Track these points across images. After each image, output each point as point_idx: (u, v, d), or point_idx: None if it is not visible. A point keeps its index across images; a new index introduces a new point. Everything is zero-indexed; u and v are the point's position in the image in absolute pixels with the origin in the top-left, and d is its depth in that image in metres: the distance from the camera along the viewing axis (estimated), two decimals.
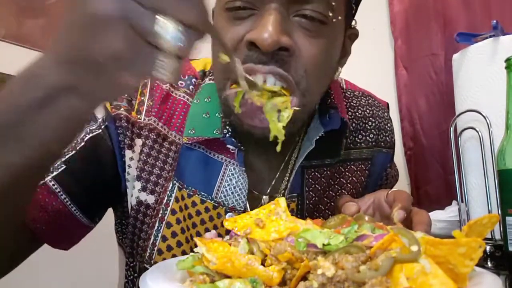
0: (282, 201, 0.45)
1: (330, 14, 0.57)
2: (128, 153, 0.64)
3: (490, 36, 0.86)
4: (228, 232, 0.50)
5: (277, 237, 0.40)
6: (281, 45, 0.53)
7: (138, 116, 0.64)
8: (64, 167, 0.60)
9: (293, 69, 0.56)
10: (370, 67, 1.41)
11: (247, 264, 0.37)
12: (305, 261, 0.36)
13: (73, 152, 0.61)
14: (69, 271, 1.19)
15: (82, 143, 0.62)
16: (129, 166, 0.64)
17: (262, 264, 0.38)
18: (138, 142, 0.64)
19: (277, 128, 0.52)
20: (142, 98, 0.66)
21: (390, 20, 1.41)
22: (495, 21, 0.83)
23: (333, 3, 0.56)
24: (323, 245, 0.37)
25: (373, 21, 1.44)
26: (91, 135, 0.63)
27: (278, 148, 0.52)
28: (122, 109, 0.64)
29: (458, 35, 0.93)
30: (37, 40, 1.11)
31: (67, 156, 0.60)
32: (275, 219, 0.42)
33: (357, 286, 0.32)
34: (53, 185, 0.59)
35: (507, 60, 0.68)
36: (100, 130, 0.63)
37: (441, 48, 1.28)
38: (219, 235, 0.51)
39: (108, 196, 0.66)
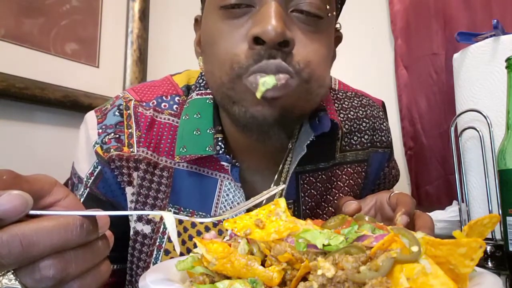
0: (282, 202, 0.45)
1: (328, 7, 0.57)
2: (129, 190, 0.64)
3: (491, 36, 0.86)
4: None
5: (277, 237, 0.39)
6: (285, 38, 0.52)
7: (131, 150, 0.64)
8: None
9: (293, 64, 0.54)
10: (370, 66, 1.40)
11: (247, 264, 0.37)
12: (305, 261, 0.36)
13: None
14: None
15: (82, 199, 0.63)
16: (132, 202, 0.64)
17: (262, 264, 0.38)
18: (135, 175, 0.64)
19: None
20: (130, 130, 0.65)
21: (390, 19, 1.40)
22: (495, 20, 0.83)
23: None
24: (323, 245, 0.37)
25: (373, 20, 1.43)
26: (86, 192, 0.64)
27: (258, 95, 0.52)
28: (112, 150, 0.63)
29: (459, 35, 0.93)
30: (37, 40, 1.10)
31: None
32: (275, 220, 0.42)
33: (357, 287, 0.32)
34: None
35: (508, 60, 0.68)
36: (88, 189, 0.64)
37: (442, 48, 1.28)
38: None
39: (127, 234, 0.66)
